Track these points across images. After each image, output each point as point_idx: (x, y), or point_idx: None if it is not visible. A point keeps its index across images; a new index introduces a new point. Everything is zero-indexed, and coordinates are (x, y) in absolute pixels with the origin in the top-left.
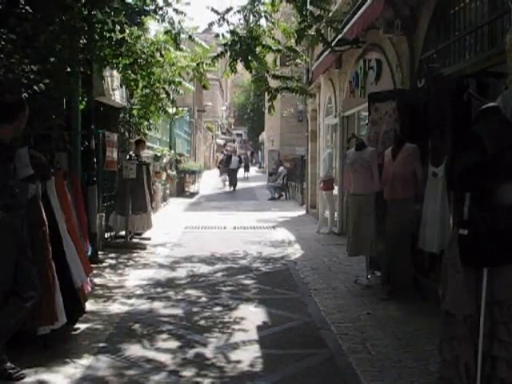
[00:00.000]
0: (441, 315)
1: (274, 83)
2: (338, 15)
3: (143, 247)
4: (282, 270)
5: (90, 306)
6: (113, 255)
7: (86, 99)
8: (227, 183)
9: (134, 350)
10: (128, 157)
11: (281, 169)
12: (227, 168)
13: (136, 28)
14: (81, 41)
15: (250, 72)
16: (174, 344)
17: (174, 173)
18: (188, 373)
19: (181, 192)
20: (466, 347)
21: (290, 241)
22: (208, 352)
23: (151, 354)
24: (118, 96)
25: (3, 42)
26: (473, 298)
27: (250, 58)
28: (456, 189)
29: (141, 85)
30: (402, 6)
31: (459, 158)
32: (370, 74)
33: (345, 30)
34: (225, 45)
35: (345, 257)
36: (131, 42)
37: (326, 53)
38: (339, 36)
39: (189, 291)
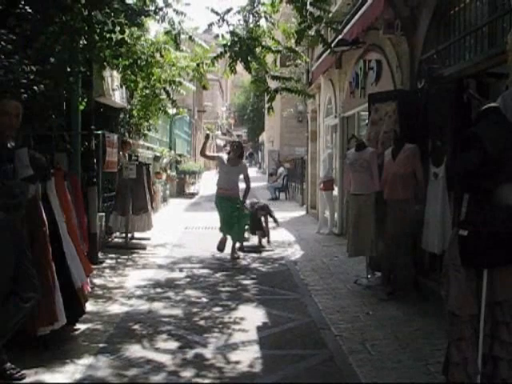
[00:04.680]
0: (444, 316)
1: (273, 84)
2: (338, 16)
3: (143, 248)
4: (282, 271)
5: (89, 306)
6: (113, 256)
7: (85, 100)
8: None
9: (134, 351)
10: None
11: (280, 169)
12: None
13: (136, 29)
14: (81, 41)
15: (250, 73)
16: (173, 344)
17: (174, 173)
18: (187, 373)
19: (181, 192)
20: (473, 348)
21: (290, 241)
22: (208, 352)
23: (151, 355)
24: (117, 96)
25: (3, 43)
26: (476, 298)
27: (249, 58)
28: (456, 189)
29: (141, 85)
30: (401, 6)
31: (459, 159)
32: (370, 74)
33: (345, 30)
34: (224, 45)
35: (345, 257)
36: (131, 42)
37: (326, 53)
38: (339, 37)
39: (188, 291)
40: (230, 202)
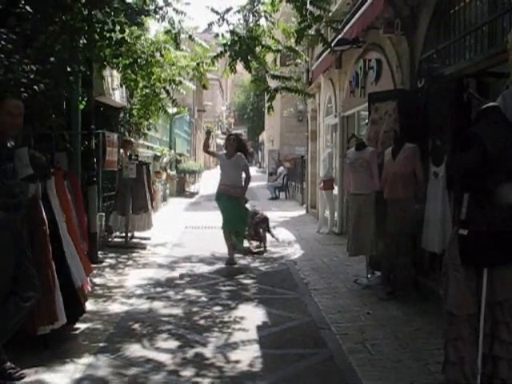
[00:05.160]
0: (440, 315)
1: (273, 83)
2: (338, 15)
3: (143, 247)
4: (282, 270)
5: (89, 305)
6: (113, 255)
7: (85, 99)
8: None
9: (134, 350)
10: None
11: (280, 169)
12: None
13: (136, 28)
14: (81, 41)
15: (250, 72)
16: (173, 344)
17: (174, 173)
18: (187, 373)
19: (181, 192)
20: (471, 348)
21: (290, 241)
22: (208, 352)
23: (151, 354)
24: (117, 96)
25: (3, 42)
26: (474, 298)
27: (249, 57)
28: (456, 189)
29: (141, 85)
30: (401, 5)
31: (459, 158)
32: (369, 73)
33: (345, 29)
34: (224, 45)
35: (345, 257)
36: (131, 41)
37: (326, 53)
38: (339, 36)
39: (188, 291)
40: (230, 200)
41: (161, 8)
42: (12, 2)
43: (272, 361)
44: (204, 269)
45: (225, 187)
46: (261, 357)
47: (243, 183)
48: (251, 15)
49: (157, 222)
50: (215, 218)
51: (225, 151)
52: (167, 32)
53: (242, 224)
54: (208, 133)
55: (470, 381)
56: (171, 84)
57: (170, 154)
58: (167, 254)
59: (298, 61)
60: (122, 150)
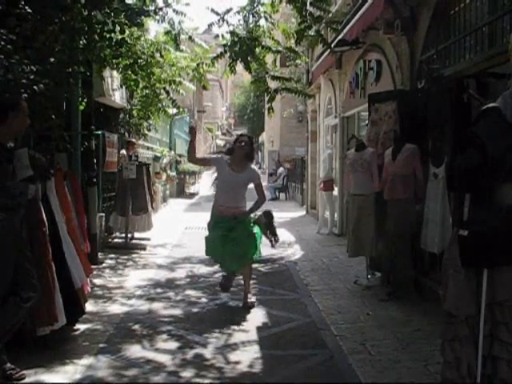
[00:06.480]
0: (440, 316)
1: (273, 84)
2: (338, 16)
3: (143, 248)
4: (282, 271)
5: (89, 306)
6: (112, 256)
7: (85, 100)
8: None
9: (134, 351)
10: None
11: (280, 169)
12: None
13: (136, 29)
14: (81, 41)
15: (250, 73)
16: (173, 345)
17: (174, 173)
18: (187, 373)
19: (181, 193)
20: (467, 349)
21: (290, 241)
22: (207, 353)
23: (151, 355)
24: (117, 97)
25: (3, 43)
26: (474, 299)
27: (249, 58)
28: (456, 190)
29: (141, 85)
30: (402, 6)
31: (459, 159)
32: (369, 74)
33: (345, 30)
34: (224, 45)
35: (345, 257)
36: (131, 42)
37: (326, 53)
38: (339, 37)
39: (188, 292)
40: (236, 222)
41: (161, 9)
42: (12, 3)
43: (272, 362)
44: (204, 270)
45: (226, 209)
46: (261, 358)
47: (248, 205)
48: (251, 16)
49: (157, 222)
50: None
51: (226, 158)
52: (167, 33)
53: (255, 249)
54: (191, 129)
55: (466, 380)
56: (171, 85)
57: (169, 154)
58: (167, 255)
59: (298, 62)
60: (123, 151)
